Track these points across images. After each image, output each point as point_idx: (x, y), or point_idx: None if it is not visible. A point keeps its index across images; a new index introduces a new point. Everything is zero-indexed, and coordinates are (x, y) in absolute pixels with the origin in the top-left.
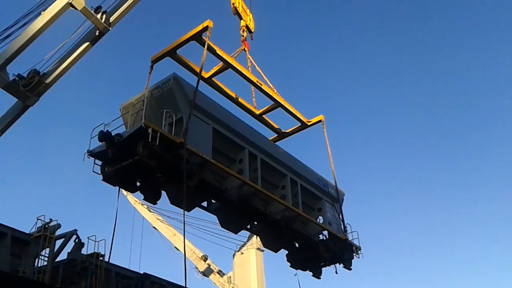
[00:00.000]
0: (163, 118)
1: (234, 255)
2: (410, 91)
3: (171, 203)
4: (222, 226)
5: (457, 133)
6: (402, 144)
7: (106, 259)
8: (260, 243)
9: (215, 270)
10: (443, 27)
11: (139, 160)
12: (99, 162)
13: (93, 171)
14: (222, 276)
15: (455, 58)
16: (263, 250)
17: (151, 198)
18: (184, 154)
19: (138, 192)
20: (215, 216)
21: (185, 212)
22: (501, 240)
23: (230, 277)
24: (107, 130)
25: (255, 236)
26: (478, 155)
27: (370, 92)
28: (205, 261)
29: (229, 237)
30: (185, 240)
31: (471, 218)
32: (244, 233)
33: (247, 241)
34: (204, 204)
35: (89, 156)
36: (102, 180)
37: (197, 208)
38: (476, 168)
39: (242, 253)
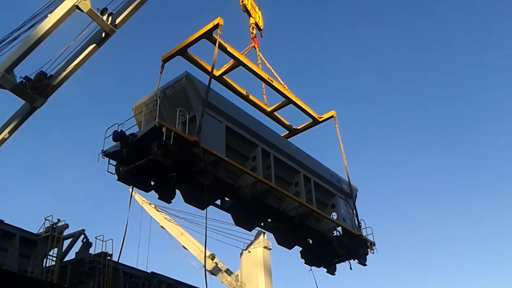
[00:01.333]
0: (176, 117)
1: (241, 253)
2: (423, 86)
3: (185, 201)
4: (236, 224)
5: (474, 127)
6: (415, 139)
7: (116, 259)
8: (268, 241)
9: (222, 269)
10: (458, 20)
11: (154, 159)
12: (113, 162)
13: (108, 171)
14: (229, 275)
15: (470, 52)
16: (270, 249)
17: (166, 197)
18: (199, 152)
19: (151, 192)
20: (229, 214)
21: (191, 209)
22: None
23: (238, 275)
24: (121, 130)
25: (262, 234)
26: (497, 149)
27: (382, 87)
28: (212, 259)
29: (236, 236)
30: (205, 240)
31: (490, 213)
32: (252, 232)
33: (255, 239)
34: (218, 202)
35: (103, 156)
36: (117, 180)
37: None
38: (495, 163)
39: (250, 252)
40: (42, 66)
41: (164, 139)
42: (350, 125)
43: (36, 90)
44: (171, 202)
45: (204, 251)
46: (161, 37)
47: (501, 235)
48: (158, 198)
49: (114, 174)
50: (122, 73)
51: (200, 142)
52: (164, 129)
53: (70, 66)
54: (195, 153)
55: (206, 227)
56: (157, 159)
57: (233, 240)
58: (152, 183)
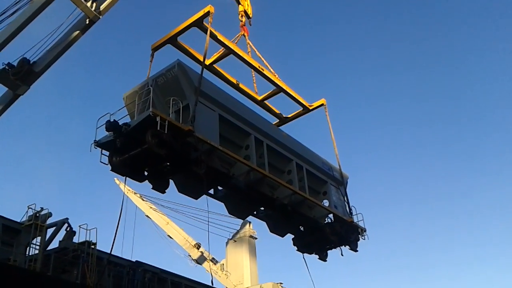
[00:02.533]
0: (170, 106)
1: (227, 243)
2: (416, 75)
3: (179, 191)
4: (229, 213)
5: (469, 117)
6: (408, 129)
7: (99, 248)
8: (253, 230)
9: (208, 258)
10: (453, 10)
11: (149, 149)
12: (105, 152)
13: (101, 162)
14: (215, 264)
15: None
16: (256, 238)
17: (160, 187)
18: (193, 141)
19: (144, 182)
20: (216, 204)
21: (177, 199)
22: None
23: (223, 264)
24: (114, 120)
25: (248, 224)
26: (485, 137)
27: (373, 76)
28: (198, 249)
29: (222, 225)
30: (208, 233)
31: (485, 203)
32: (237, 221)
33: (240, 229)
34: (210, 191)
35: (95, 147)
36: (111, 170)
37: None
38: (491, 153)
39: (235, 241)
40: (25, 52)
41: (158, 128)
42: (340, 114)
43: (18, 77)
44: (165, 192)
45: (207, 242)
46: (146, 26)
47: (496, 225)
48: (152, 188)
49: (107, 164)
50: (106, 63)
51: (194, 131)
52: (158, 119)
53: (54, 53)
54: (189, 142)
55: (208, 220)
56: (152, 148)
57: (219, 230)
58: (146, 173)
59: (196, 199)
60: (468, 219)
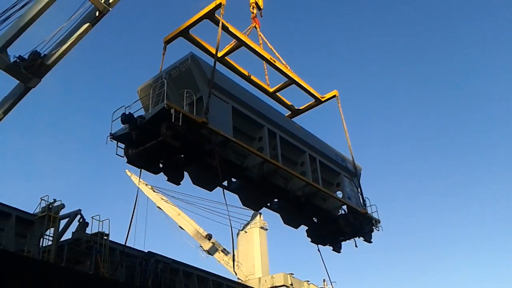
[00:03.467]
0: (184, 98)
1: (238, 234)
2: (428, 66)
3: (194, 183)
4: (243, 204)
5: (484, 109)
6: (419, 118)
7: (112, 239)
8: (264, 222)
9: (219, 249)
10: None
11: (164, 141)
12: (121, 145)
13: (117, 154)
14: (226, 255)
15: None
16: (266, 229)
17: (174, 179)
18: (207, 133)
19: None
20: (236, 195)
21: (188, 190)
22: None
23: (234, 255)
24: (129, 112)
25: (258, 215)
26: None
27: (385, 66)
28: (209, 240)
29: (233, 217)
30: (231, 227)
31: (495, 195)
32: (248, 212)
33: (251, 220)
34: (225, 183)
35: (111, 139)
36: (127, 162)
37: (200, 188)
38: (502, 144)
39: (246, 232)
40: (36, 46)
41: (173, 120)
42: (353, 106)
43: (30, 70)
44: (180, 184)
45: (231, 235)
46: (155, 19)
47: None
48: (167, 180)
49: (122, 156)
50: (114, 57)
51: (208, 123)
52: (172, 111)
53: (64, 46)
54: (203, 134)
55: (229, 214)
56: (167, 140)
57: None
58: (161, 165)
59: (211, 191)
60: (486, 210)
